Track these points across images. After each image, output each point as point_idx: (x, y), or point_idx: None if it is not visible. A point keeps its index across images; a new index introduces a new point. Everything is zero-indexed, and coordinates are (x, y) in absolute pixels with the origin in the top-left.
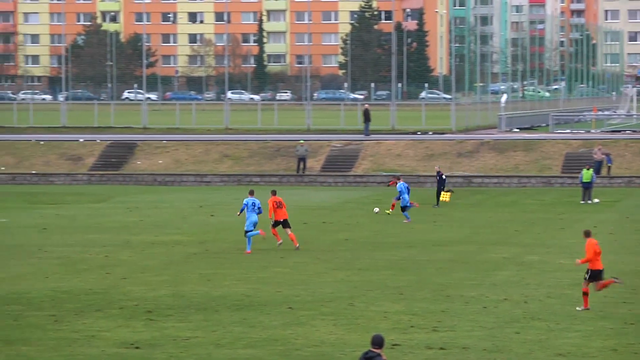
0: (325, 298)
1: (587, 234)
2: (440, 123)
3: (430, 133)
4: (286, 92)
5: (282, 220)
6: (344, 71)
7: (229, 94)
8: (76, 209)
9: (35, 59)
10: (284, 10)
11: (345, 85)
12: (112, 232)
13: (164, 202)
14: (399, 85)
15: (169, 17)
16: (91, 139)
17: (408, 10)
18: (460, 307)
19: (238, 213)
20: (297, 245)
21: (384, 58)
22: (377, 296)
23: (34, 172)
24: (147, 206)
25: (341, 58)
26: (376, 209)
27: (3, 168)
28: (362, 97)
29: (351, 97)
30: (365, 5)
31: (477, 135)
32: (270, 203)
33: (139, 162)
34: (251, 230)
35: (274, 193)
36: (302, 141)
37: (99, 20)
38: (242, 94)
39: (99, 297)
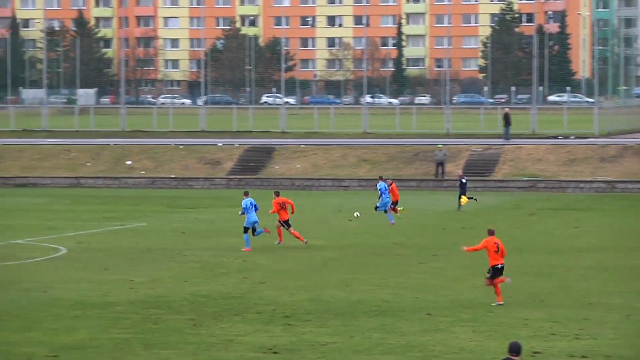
0: (465, 304)
1: (490, 233)
2: (583, 127)
3: (572, 137)
4: (425, 96)
5: (283, 221)
6: (483, 74)
7: (367, 98)
8: (215, 213)
9: (174, 63)
10: (423, 14)
11: (485, 88)
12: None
13: (301, 206)
14: (540, 88)
15: (308, 20)
16: (230, 143)
17: (550, 12)
18: (603, 315)
19: (240, 213)
20: (305, 240)
21: (524, 61)
22: (517, 302)
23: (173, 176)
24: None
25: (481, 61)
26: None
27: (143, 172)
28: (502, 100)
29: (490, 101)
30: (506, 7)
31: (620, 140)
32: (275, 204)
33: (277, 167)
34: (249, 228)
35: (277, 194)
36: (440, 145)
37: (238, 25)
38: (380, 97)
39: (237, 301)
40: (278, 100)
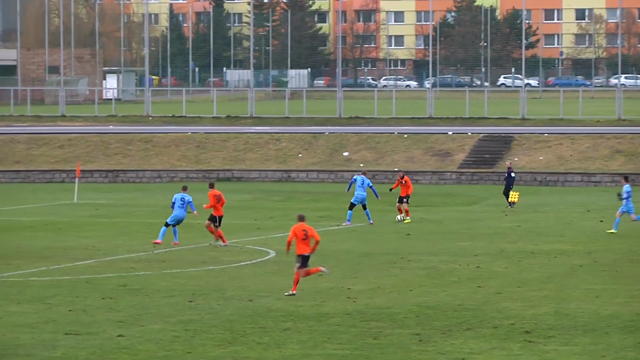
0: None
1: (300, 219)
2: None
3: None
4: None
5: (217, 217)
6: None
7: (622, 79)
8: (444, 212)
9: (398, 39)
10: None
11: None
12: (485, 239)
13: (545, 205)
14: None
15: None
16: (461, 132)
17: None
18: None
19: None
20: (226, 243)
21: None
22: None
23: (396, 169)
24: (525, 210)
25: None
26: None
27: (362, 165)
28: None
29: None
30: None
31: None
32: (211, 196)
33: (516, 159)
34: (173, 225)
35: (211, 186)
36: None
37: None
38: (637, 78)
39: (469, 314)
40: (517, 82)
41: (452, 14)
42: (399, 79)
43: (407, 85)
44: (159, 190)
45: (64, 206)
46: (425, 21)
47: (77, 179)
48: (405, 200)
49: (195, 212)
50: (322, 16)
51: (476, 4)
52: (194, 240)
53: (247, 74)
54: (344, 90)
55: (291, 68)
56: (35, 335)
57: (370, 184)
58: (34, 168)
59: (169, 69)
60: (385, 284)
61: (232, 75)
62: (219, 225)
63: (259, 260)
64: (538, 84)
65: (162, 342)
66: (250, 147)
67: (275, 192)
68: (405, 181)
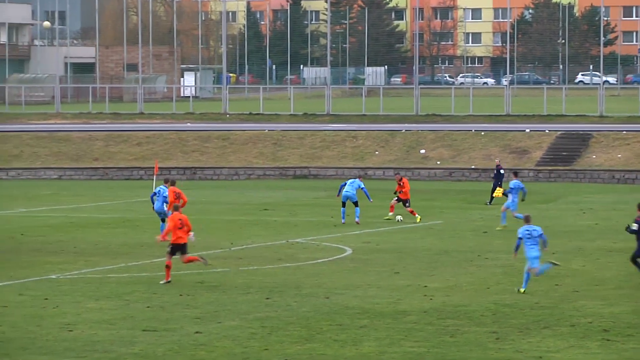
0: None
1: (175, 209)
2: None
3: None
4: None
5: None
6: None
7: None
8: (520, 210)
9: (476, 37)
10: None
11: None
12: (563, 237)
13: (623, 203)
14: None
15: None
16: (539, 129)
17: None
18: None
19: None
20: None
21: None
22: None
23: (473, 166)
24: (603, 207)
25: None
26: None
27: (438, 162)
28: None
29: None
30: None
31: None
32: (171, 193)
33: (594, 156)
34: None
35: (172, 183)
36: None
37: None
38: None
39: (546, 312)
40: (596, 79)
41: (530, 11)
42: (476, 77)
43: (485, 83)
44: (236, 188)
45: (142, 203)
46: (502, 18)
47: (154, 176)
48: (406, 204)
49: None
50: (399, 13)
51: (554, 1)
52: (270, 237)
53: (324, 72)
54: (420, 88)
55: (368, 65)
56: (113, 332)
57: (362, 186)
58: (112, 165)
59: (247, 67)
60: (462, 281)
61: (309, 72)
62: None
63: (335, 257)
64: (616, 81)
65: (239, 338)
66: (327, 145)
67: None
68: (403, 183)
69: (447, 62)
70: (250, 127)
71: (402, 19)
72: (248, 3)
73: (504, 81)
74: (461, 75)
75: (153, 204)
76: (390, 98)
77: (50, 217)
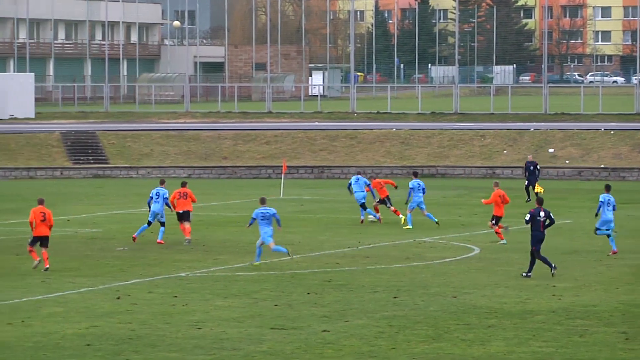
0: None
1: (39, 202)
2: None
3: None
4: None
5: (181, 212)
6: None
7: None
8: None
9: (605, 35)
10: None
11: None
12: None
13: None
14: None
15: None
16: None
17: None
18: None
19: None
20: (189, 238)
21: None
22: None
23: (602, 165)
24: None
25: None
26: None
27: (567, 161)
28: None
29: None
30: None
31: None
32: (175, 194)
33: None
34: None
35: (183, 185)
36: None
37: None
38: None
39: None
40: None
41: None
42: (606, 75)
43: (614, 82)
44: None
45: (270, 202)
46: (632, 16)
47: (282, 175)
48: (388, 204)
49: (171, 209)
50: (528, 12)
51: None
52: (398, 236)
53: (452, 70)
54: (549, 87)
55: (496, 64)
56: (242, 330)
57: (368, 182)
58: (241, 164)
59: (374, 66)
60: (590, 281)
61: (437, 71)
62: (184, 219)
63: (463, 256)
64: None
65: (366, 337)
66: (454, 144)
67: (480, 189)
68: (380, 183)
69: (576, 60)
70: (378, 126)
71: (531, 17)
72: (376, 2)
73: (634, 80)
74: (590, 73)
75: (149, 207)
76: (519, 97)
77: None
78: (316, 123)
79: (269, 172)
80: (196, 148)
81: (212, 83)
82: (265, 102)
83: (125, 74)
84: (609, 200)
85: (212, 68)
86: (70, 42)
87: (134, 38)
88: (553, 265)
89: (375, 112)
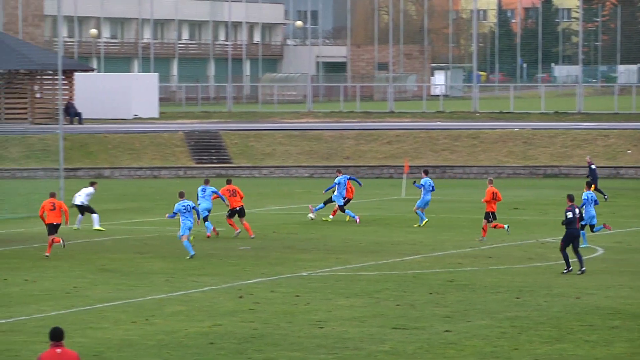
0: None
1: (52, 195)
2: None
3: None
4: None
5: (237, 208)
6: None
7: None
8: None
9: None
10: None
11: None
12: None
13: None
14: None
15: None
16: None
17: None
18: None
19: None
20: (252, 234)
21: None
22: None
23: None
24: None
25: None
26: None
27: None
28: None
29: None
30: None
31: None
32: (224, 192)
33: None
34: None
35: (228, 182)
36: None
37: None
38: None
39: None
40: None
41: None
42: None
43: None
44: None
45: (392, 201)
46: None
47: (404, 175)
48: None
49: (226, 203)
50: None
51: None
52: (520, 236)
53: (575, 70)
54: None
55: (621, 63)
56: (364, 329)
57: (351, 177)
58: (363, 164)
59: (497, 65)
60: None
61: (560, 70)
62: (241, 215)
63: (586, 257)
64: None
65: (488, 337)
66: (577, 144)
67: (603, 189)
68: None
69: None
70: (500, 125)
71: None
72: (499, 1)
73: None
74: None
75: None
76: None
77: (301, 214)
78: (438, 123)
79: (390, 172)
80: (318, 148)
81: (334, 83)
82: (387, 101)
83: (248, 73)
84: (592, 196)
85: (334, 68)
86: (194, 42)
87: (257, 38)
88: (569, 267)
89: (498, 111)
